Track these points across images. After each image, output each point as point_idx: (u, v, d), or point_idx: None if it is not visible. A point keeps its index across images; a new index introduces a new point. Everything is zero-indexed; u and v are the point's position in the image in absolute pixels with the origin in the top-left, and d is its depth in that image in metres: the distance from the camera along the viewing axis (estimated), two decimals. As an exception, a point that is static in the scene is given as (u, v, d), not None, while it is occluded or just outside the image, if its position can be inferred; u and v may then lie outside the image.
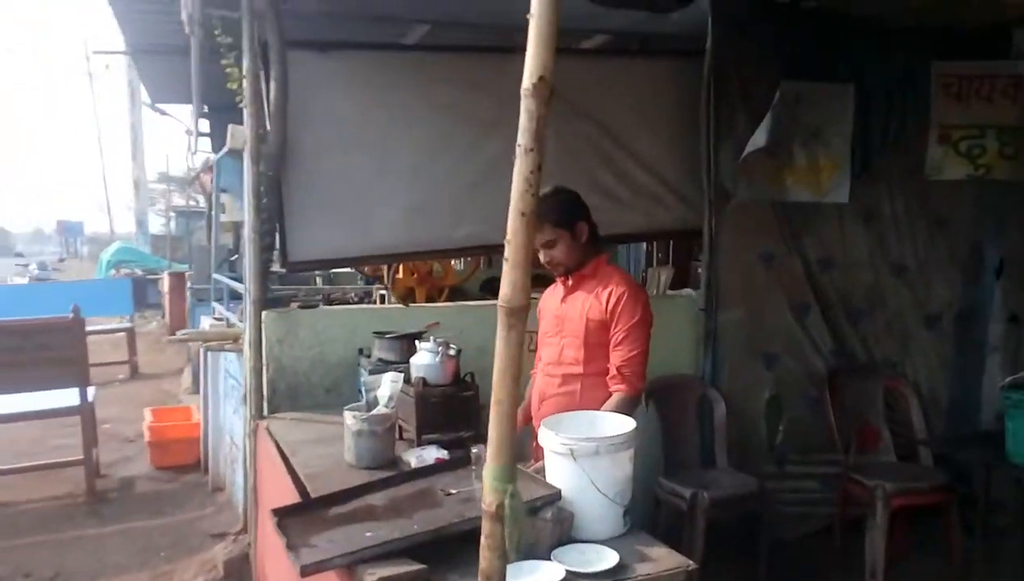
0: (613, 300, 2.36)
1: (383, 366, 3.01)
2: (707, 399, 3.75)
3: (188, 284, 7.75)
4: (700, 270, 4.14)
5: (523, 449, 2.56)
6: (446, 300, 4.65)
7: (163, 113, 9.75)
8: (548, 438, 1.91)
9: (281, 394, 3.27)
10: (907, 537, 3.69)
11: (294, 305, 3.71)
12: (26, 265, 18.40)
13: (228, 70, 3.12)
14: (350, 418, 2.44)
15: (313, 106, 3.36)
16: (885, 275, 3.98)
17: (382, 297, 4.78)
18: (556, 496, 1.83)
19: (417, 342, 2.76)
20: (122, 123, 21.55)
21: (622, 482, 1.88)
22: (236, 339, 3.50)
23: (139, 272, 16.43)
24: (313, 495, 2.16)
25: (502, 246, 3.41)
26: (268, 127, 3.23)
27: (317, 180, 3.40)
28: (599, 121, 3.78)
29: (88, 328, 9.10)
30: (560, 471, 1.90)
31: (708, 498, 3.26)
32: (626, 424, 1.99)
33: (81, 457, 4.32)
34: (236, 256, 6.20)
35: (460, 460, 2.22)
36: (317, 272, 8.12)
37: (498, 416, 1.33)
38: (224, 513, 3.90)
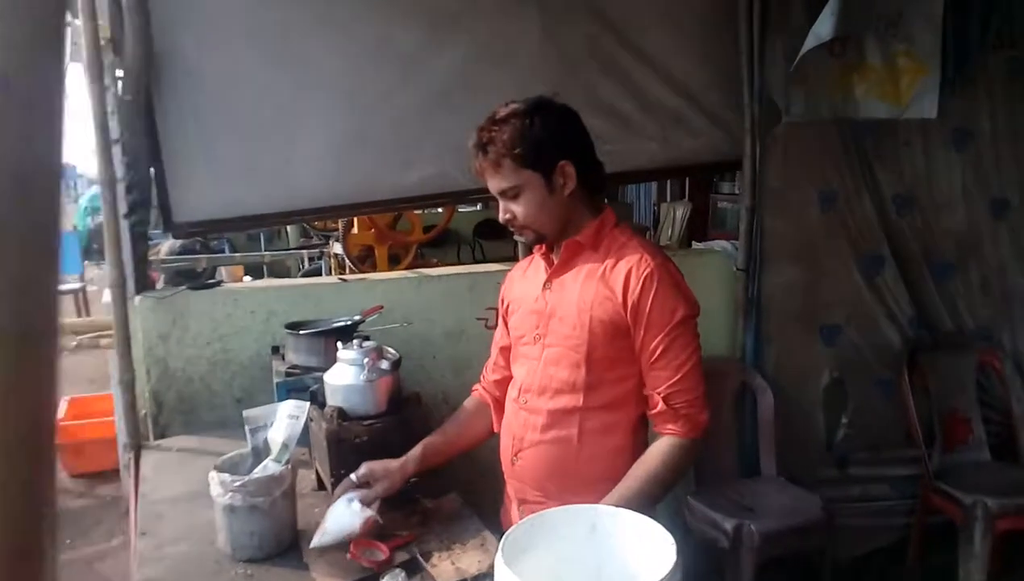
0: (636, 287, 1.43)
1: (299, 375, 2.11)
2: (748, 387, 2.87)
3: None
4: (739, 213, 3.18)
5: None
6: (414, 260, 3.70)
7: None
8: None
9: (170, 410, 2.37)
10: (1003, 555, 2.87)
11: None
12: None
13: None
14: (217, 485, 1.54)
15: (193, -3, 2.36)
16: (983, 215, 3.02)
17: (336, 260, 3.83)
18: None
19: (340, 344, 1.84)
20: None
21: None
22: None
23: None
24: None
25: (470, 192, 2.47)
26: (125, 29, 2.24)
27: (207, 106, 2.41)
28: (604, 16, 2.76)
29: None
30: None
31: (757, 533, 2.40)
32: (658, 547, 1.07)
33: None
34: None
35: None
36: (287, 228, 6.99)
37: None
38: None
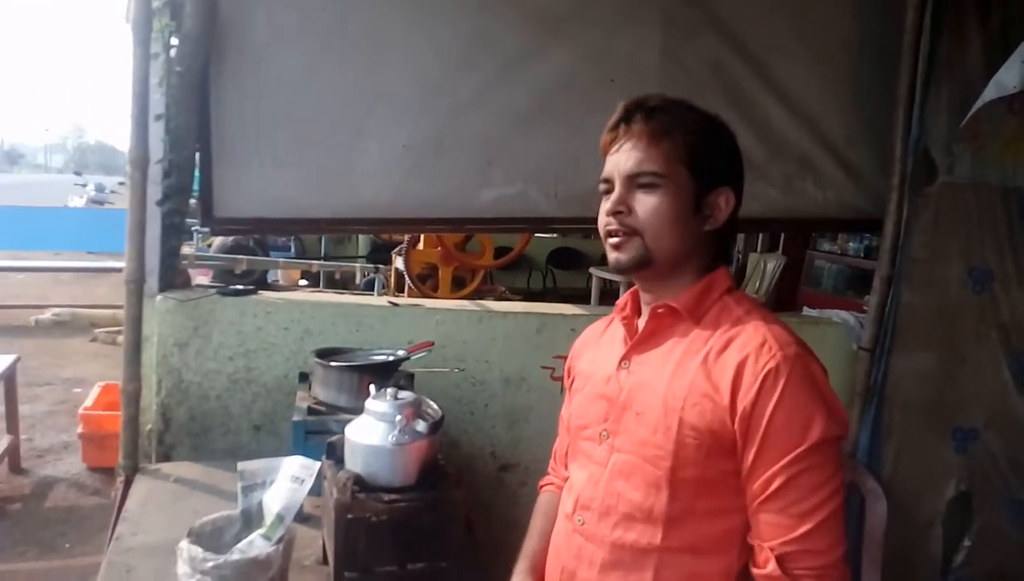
0: (753, 386, 1.01)
1: (324, 416, 1.76)
2: (856, 490, 2.39)
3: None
4: (836, 274, 2.71)
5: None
6: (480, 284, 3.35)
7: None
8: None
9: (179, 428, 2.06)
10: None
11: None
12: (84, 185, 17.78)
13: None
14: (185, 562, 1.18)
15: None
16: None
17: (394, 276, 3.50)
18: None
19: (372, 388, 1.48)
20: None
21: None
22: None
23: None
24: None
25: (551, 220, 2.07)
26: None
27: (271, 90, 2.13)
28: (735, 39, 2.37)
29: (109, 264, 8.31)
30: None
31: None
32: None
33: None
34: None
35: None
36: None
37: None
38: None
